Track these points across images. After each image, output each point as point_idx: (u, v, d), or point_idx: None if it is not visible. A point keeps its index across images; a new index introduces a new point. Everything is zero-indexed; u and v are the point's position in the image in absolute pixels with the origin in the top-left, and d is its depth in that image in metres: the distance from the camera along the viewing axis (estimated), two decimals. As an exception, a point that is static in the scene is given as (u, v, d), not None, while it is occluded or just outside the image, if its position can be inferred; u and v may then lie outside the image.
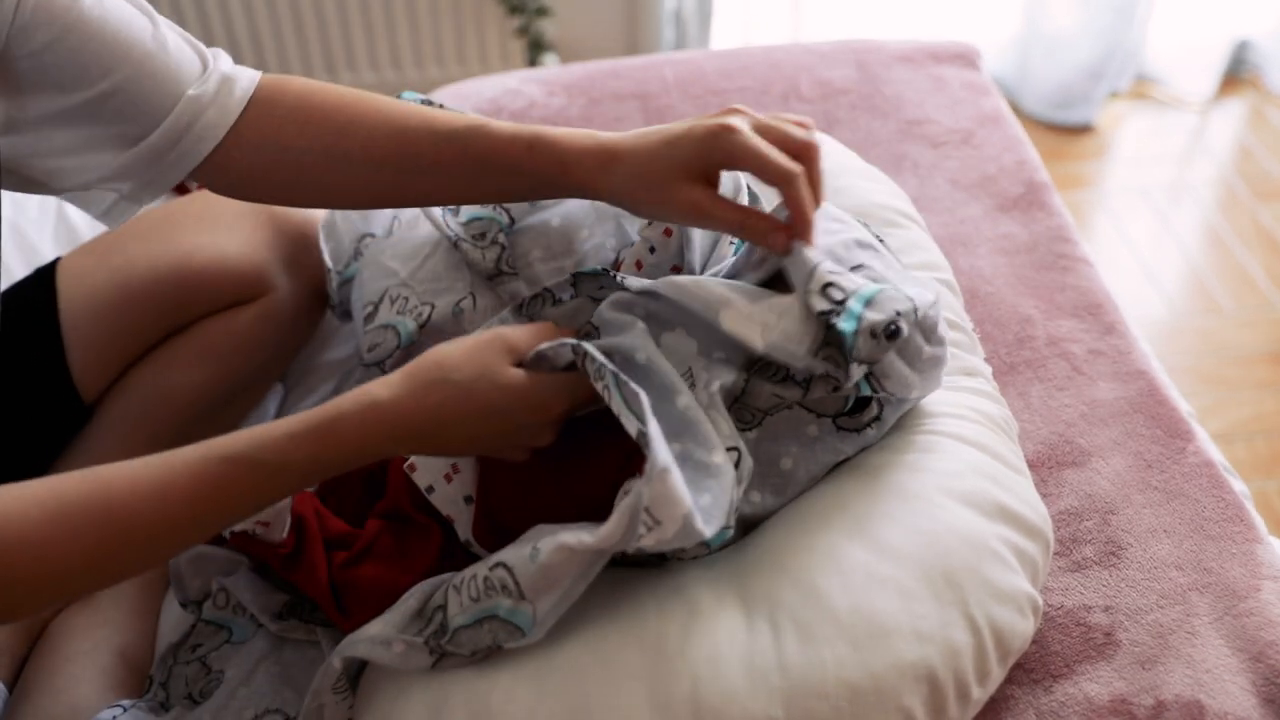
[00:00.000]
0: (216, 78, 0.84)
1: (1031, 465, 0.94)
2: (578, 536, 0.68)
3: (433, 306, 0.98)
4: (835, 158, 1.08)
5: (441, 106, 1.06)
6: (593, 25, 2.28)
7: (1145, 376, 1.03)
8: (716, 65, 1.40)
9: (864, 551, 0.71)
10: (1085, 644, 0.82)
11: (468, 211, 1.02)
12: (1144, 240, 2.16)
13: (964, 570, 0.68)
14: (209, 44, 0.87)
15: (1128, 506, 0.92)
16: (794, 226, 0.78)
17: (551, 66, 1.49)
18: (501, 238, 0.99)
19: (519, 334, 0.78)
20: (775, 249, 0.78)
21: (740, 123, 0.78)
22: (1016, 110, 2.40)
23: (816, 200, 0.79)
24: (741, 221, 0.79)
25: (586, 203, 0.98)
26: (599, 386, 0.72)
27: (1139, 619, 0.84)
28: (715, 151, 0.78)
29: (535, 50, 2.20)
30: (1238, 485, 0.97)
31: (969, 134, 1.30)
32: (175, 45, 0.83)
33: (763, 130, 0.78)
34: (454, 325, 0.97)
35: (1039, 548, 0.76)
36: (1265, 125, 2.41)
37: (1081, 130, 2.40)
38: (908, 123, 1.31)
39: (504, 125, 0.84)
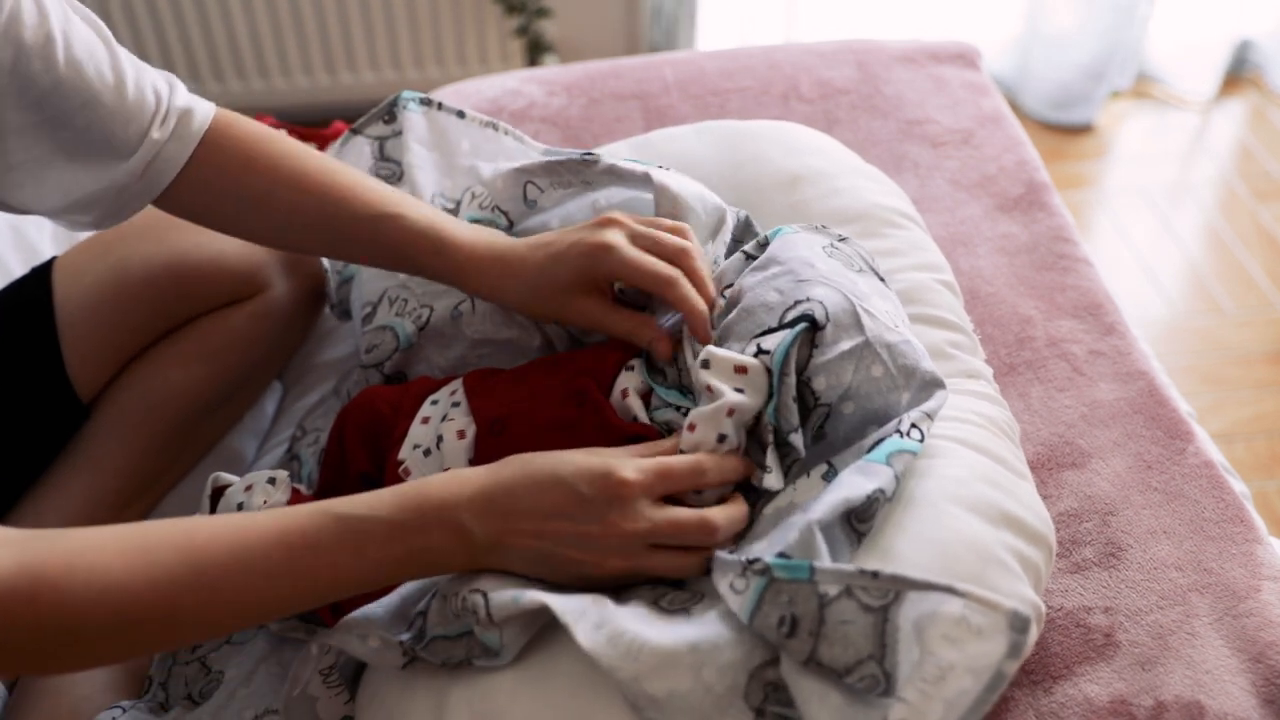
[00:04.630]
0: (175, 113, 0.86)
1: (1031, 466, 0.94)
2: (564, 604, 0.68)
3: (431, 309, 0.97)
4: (835, 157, 1.08)
5: (440, 106, 1.06)
6: (593, 25, 2.28)
7: (1145, 377, 1.02)
8: (717, 65, 1.40)
9: (874, 561, 0.70)
10: (1085, 645, 0.82)
11: (466, 212, 1.02)
12: (1144, 240, 2.16)
13: (969, 579, 0.68)
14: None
15: (1127, 507, 0.92)
16: (689, 325, 0.83)
17: (551, 66, 1.49)
18: None
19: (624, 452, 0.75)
20: (660, 356, 0.84)
21: (616, 237, 0.84)
22: (1016, 110, 2.40)
23: (704, 297, 0.84)
24: (632, 330, 0.86)
25: (586, 204, 0.98)
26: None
27: (1139, 620, 0.84)
28: (598, 268, 0.85)
29: (535, 50, 2.20)
30: (1238, 485, 0.96)
31: (969, 134, 1.30)
32: (134, 78, 0.84)
33: (637, 239, 0.85)
34: (452, 328, 0.97)
35: (1042, 553, 0.76)
36: (1266, 125, 2.41)
37: (1081, 130, 2.40)
38: (908, 123, 1.31)
39: (417, 218, 0.89)
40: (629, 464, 0.71)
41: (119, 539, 0.64)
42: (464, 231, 0.90)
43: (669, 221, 0.88)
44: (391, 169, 1.04)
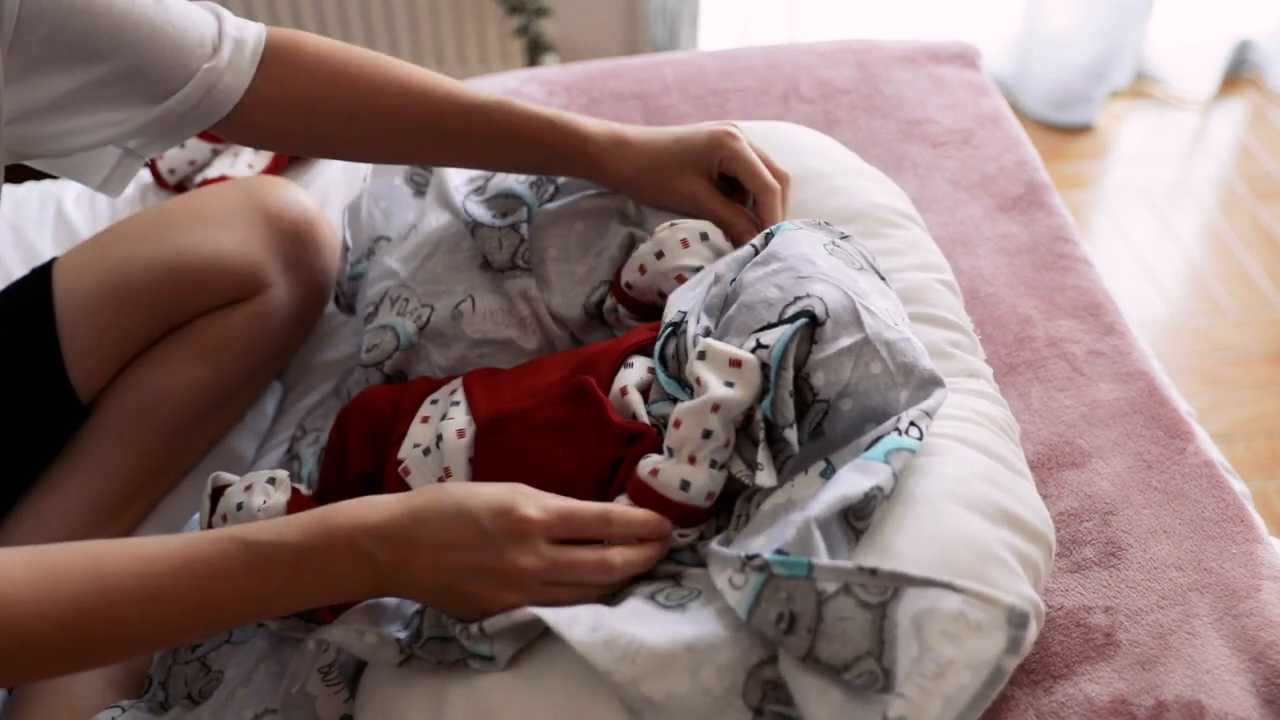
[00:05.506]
0: (230, 43, 0.87)
1: (1031, 466, 0.94)
2: (556, 616, 0.68)
3: (432, 309, 0.97)
4: (835, 157, 1.08)
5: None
6: (593, 25, 2.28)
7: (1145, 377, 1.02)
8: (717, 65, 1.40)
9: (872, 559, 0.70)
10: (1085, 644, 0.82)
11: (496, 185, 1.02)
12: (1144, 240, 2.16)
13: (968, 576, 0.68)
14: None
15: (1128, 507, 0.92)
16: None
17: (551, 66, 1.49)
18: (524, 229, 0.98)
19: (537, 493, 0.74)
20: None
21: (741, 134, 0.92)
22: (1016, 110, 2.40)
23: (784, 216, 0.92)
24: (730, 218, 0.92)
25: (615, 209, 0.99)
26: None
27: (1139, 619, 0.84)
28: (719, 151, 0.91)
29: (535, 50, 2.20)
30: (1238, 485, 0.96)
31: (969, 134, 1.30)
32: (180, 11, 0.84)
33: (754, 149, 0.93)
34: (453, 328, 0.97)
35: (1041, 552, 0.76)
36: (1266, 125, 2.41)
37: (1081, 130, 2.40)
38: (908, 123, 1.31)
39: (525, 104, 0.93)
40: (533, 502, 0.71)
41: (29, 566, 0.65)
42: (576, 115, 0.94)
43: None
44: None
